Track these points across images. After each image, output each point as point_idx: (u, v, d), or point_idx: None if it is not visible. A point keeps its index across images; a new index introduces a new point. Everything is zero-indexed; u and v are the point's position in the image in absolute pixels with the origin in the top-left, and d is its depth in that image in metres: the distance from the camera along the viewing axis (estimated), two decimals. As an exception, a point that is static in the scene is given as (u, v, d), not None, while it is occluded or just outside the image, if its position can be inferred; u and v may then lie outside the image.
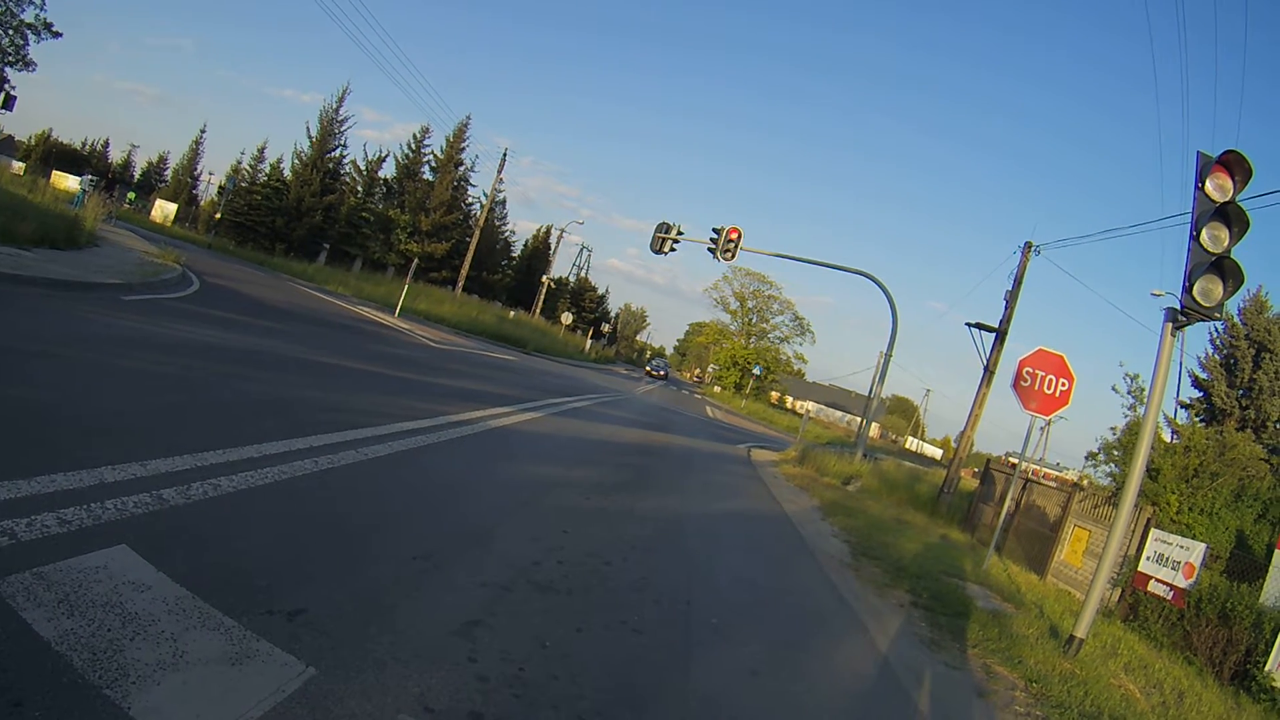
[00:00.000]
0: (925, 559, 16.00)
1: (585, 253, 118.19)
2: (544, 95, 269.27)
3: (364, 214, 74.46)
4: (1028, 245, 30.63)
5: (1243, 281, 10.38)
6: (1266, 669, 13.24)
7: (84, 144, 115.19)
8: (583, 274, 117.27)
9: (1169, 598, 15.84)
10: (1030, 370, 17.96)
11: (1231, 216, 10.54)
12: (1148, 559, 16.85)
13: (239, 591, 5.12)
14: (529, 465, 12.91)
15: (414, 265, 50.94)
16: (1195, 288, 10.45)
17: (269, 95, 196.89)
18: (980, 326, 30.67)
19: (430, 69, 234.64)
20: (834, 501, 21.64)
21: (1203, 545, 16.08)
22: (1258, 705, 12.63)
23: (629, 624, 6.99)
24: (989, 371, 30.40)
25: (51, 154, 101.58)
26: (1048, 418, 18.03)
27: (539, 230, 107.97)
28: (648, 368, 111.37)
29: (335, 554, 6.39)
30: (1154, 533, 17.27)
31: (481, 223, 76.40)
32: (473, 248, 73.48)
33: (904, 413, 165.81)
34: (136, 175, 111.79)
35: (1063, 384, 17.86)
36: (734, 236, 35.42)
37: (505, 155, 75.27)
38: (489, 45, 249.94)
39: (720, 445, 31.32)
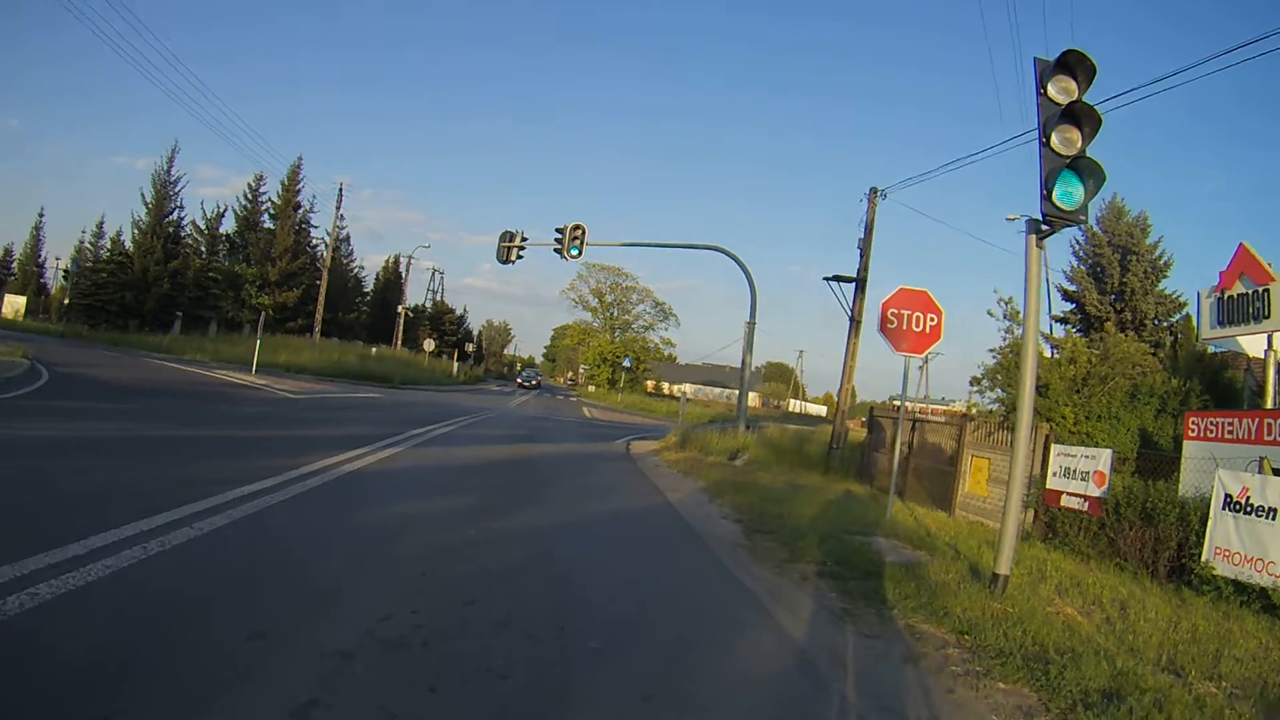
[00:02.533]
0: (825, 521, 15.19)
1: (438, 275, 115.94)
2: (371, 124, 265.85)
3: (211, 274, 71.98)
4: (873, 191, 30.13)
5: (1103, 179, 9.84)
6: (1203, 559, 12.87)
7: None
8: (439, 298, 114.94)
9: (1085, 509, 15.47)
10: (895, 312, 17.28)
11: (1080, 116, 9.95)
12: (1054, 475, 16.57)
13: (41, 711, 4.37)
14: (384, 506, 11.67)
15: (262, 319, 49.38)
16: (1055, 193, 9.83)
17: (103, 165, 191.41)
18: (839, 279, 29.87)
19: (257, 116, 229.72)
20: (721, 480, 20.64)
21: (1108, 451, 15.84)
22: (1202, 598, 12.10)
23: (493, 670, 5.82)
24: (855, 321, 29.71)
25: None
26: (923, 355, 17.25)
27: (388, 261, 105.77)
28: (518, 379, 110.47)
29: (160, 647, 5.43)
30: (1055, 448, 16.97)
31: (328, 263, 74.84)
32: (323, 290, 71.98)
33: (781, 378, 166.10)
34: None
35: (931, 319, 17.25)
36: (578, 233, 34.47)
37: (341, 189, 73.27)
38: (309, 85, 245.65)
39: (597, 445, 30.46)
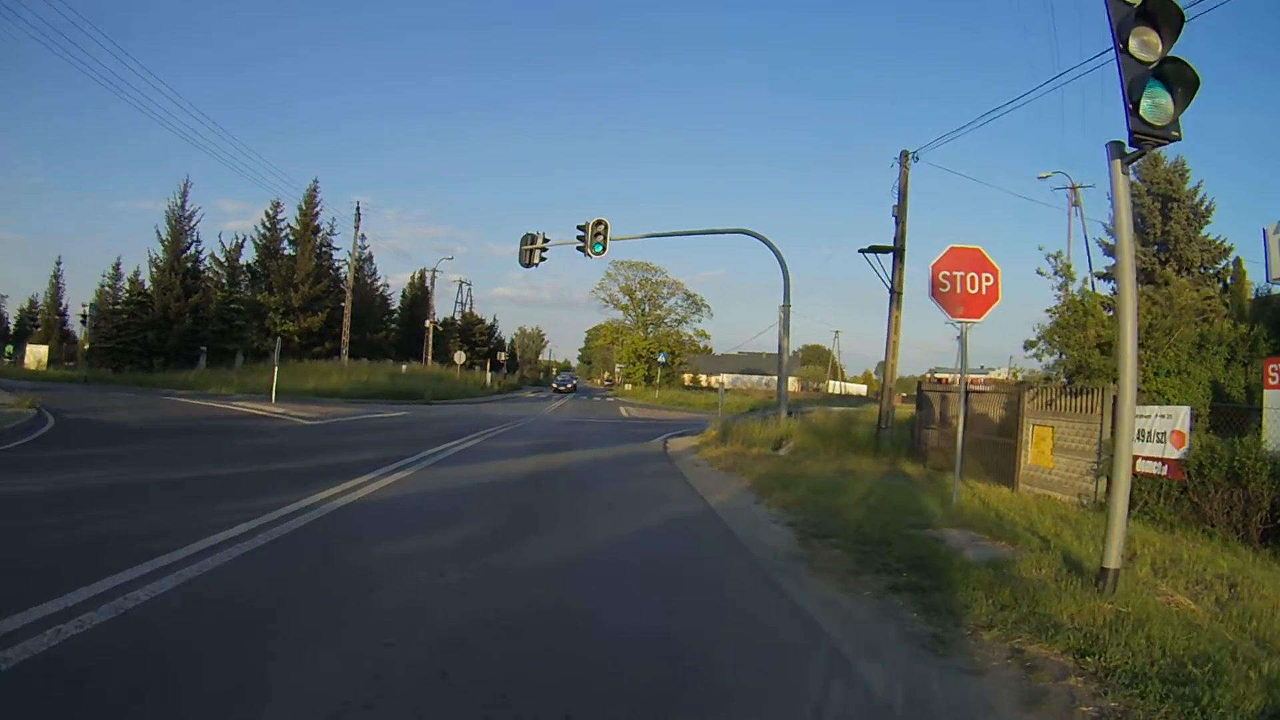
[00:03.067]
0: (886, 513, 13.56)
1: (465, 287, 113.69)
2: (390, 146, 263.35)
3: (233, 306, 71.31)
4: (904, 154, 28.48)
5: (1196, 84, 8.12)
6: None
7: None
8: (468, 309, 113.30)
9: (1164, 473, 14.12)
10: (947, 274, 15.46)
11: (1158, 13, 8.20)
12: None
13: None
14: (367, 549, 9.80)
15: (278, 345, 47.48)
16: (1141, 107, 8.12)
17: (125, 211, 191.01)
18: (875, 249, 28.18)
19: (274, 151, 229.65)
20: (767, 475, 18.86)
21: (1184, 408, 14.38)
22: None
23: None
24: (895, 293, 28.02)
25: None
26: (980, 319, 15.48)
27: (413, 277, 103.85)
28: (553, 384, 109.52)
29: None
30: None
31: (351, 282, 73.63)
32: (347, 311, 70.52)
33: (819, 360, 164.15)
34: (12, 327, 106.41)
35: (987, 279, 15.41)
36: (600, 229, 33.30)
37: (359, 209, 71.09)
38: (326, 116, 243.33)
39: (632, 446, 28.50)
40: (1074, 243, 45.76)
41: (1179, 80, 8.14)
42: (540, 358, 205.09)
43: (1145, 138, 8.30)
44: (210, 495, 12.80)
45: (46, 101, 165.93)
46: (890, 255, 28.34)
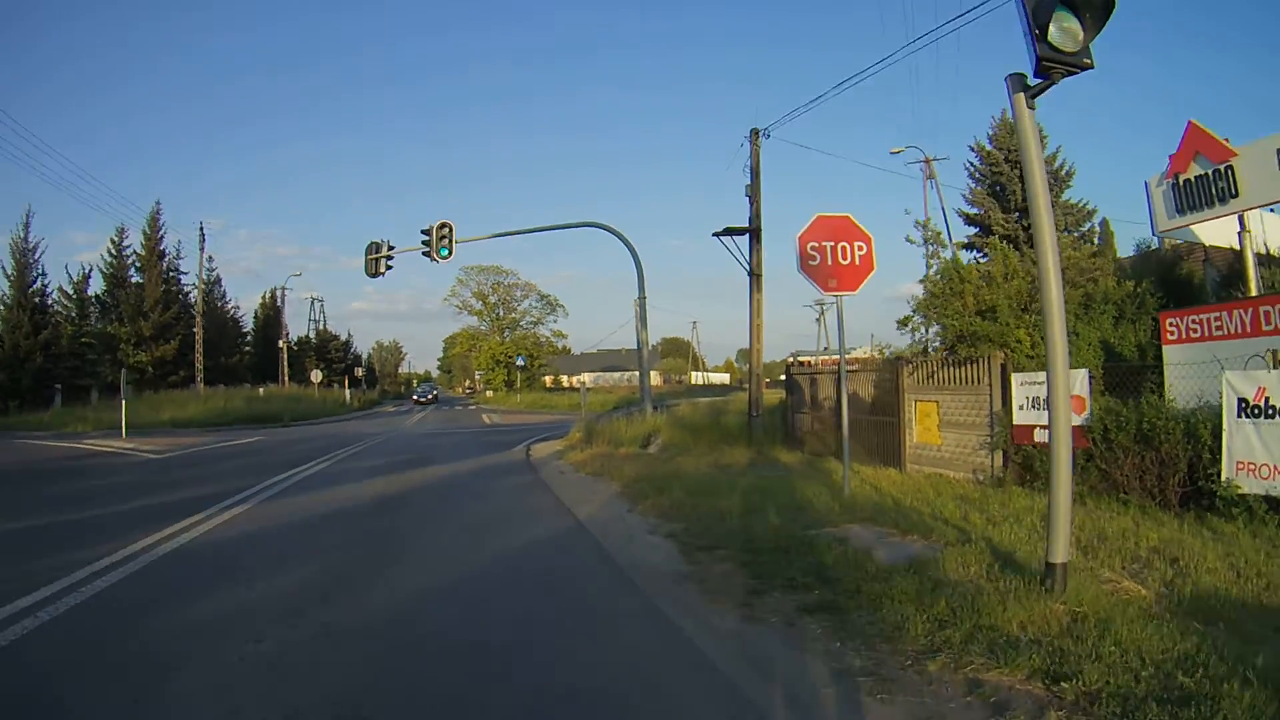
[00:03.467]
0: (775, 512, 12.14)
1: (317, 304, 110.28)
2: (235, 165, 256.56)
3: (84, 340, 68.20)
4: (754, 133, 27.47)
5: (1110, 8, 7.08)
6: (1224, 479, 11.14)
7: None
8: (321, 326, 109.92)
9: None
10: (815, 246, 14.11)
11: None
12: (1020, 408, 14.63)
13: None
14: (178, 608, 7.94)
15: (123, 378, 45.84)
16: (1050, 33, 7.08)
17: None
18: (730, 232, 27.26)
19: (116, 179, 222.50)
20: (639, 477, 17.37)
21: (1082, 371, 13.45)
22: (1233, 523, 10.51)
23: None
24: (754, 275, 27.07)
25: None
26: (855, 291, 14.26)
27: (264, 297, 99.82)
28: (413, 396, 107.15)
29: None
30: (1016, 377, 15.00)
31: (200, 307, 70.99)
32: (199, 337, 68.10)
33: (679, 352, 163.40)
34: None
35: (860, 247, 14.17)
36: (445, 231, 32.22)
37: (203, 230, 69.11)
38: (162, 138, 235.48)
39: (493, 456, 26.57)
40: (933, 216, 45.04)
41: (1088, 5, 7.08)
42: (400, 370, 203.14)
43: (1054, 65, 7.19)
44: (17, 550, 10.96)
45: None
46: (746, 237, 27.43)
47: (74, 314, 70.38)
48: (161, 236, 75.42)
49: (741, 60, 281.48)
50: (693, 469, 18.76)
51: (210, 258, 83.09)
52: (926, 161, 46.42)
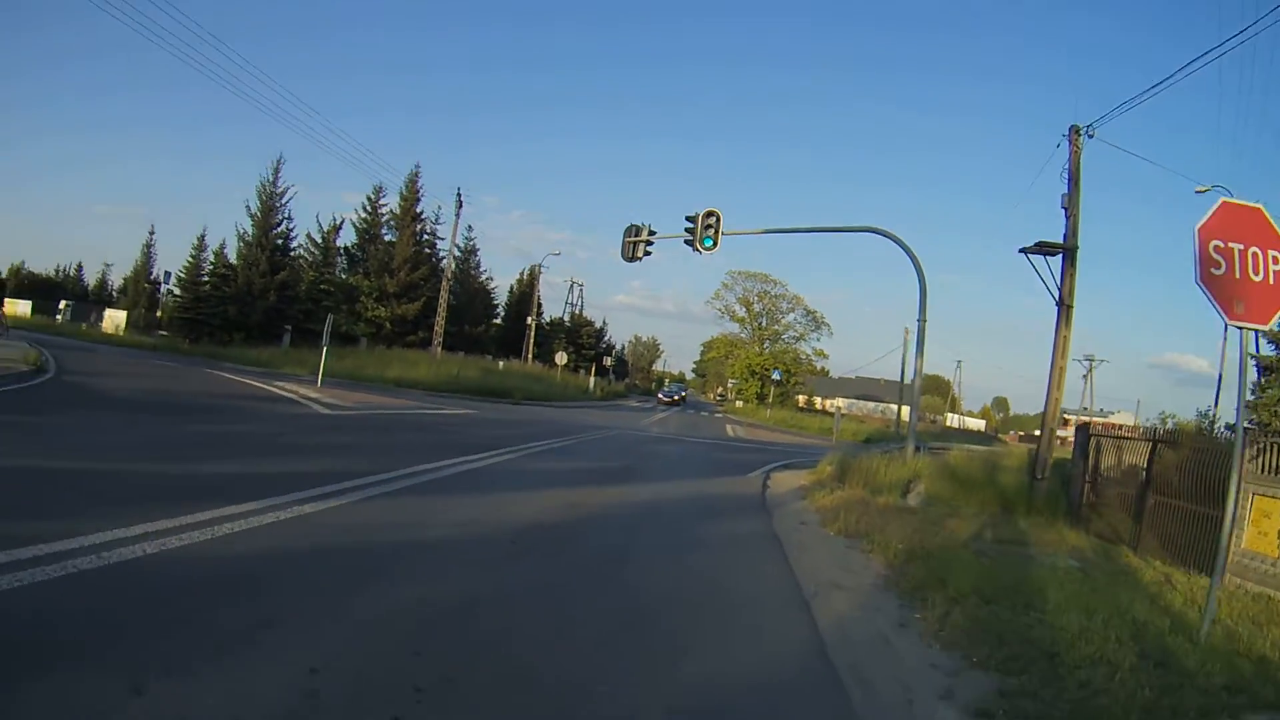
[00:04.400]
0: (1127, 663, 7.27)
1: (576, 288, 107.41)
2: (519, 147, 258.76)
3: (323, 287, 67.77)
4: (1074, 130, 22.58)
5: None
6: None
7: (58, 270, 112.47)
8: (578, 311, 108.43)
9: None
10: (1220, 246, 8.90)
11: None
12: None
13: None
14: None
15: (328, 324, 40.82)
16: None
17: (218, 193, 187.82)
18: (1042, 249, 22.07)
19: (384, 138, 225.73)
20: (909, 550, 12.20)
21: None
22: None
23: None
24: (1064, 305, 21.96)
25: (24, 284, 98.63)
26: (1267, 324, 9.24)
27: (522, 274, 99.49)
28: (660, 395, 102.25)
29: None
30: None
31: (450, 271, 68.78)
32: (442, 301, 65.27)
33: (936, 390, 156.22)
34: (115, 293, 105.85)
35: (1277, 258, 8.95)
36: (711, 221, 28.75)
37: (460, 196, 65.55)
38: (439, 107, 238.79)
39: (724, 480, 21.84)
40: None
41: None
42: (654, 367, 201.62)
43: None
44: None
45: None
46: (1059, 257, 22.50)
47: (318, 261, 70.36)
48: (419, 198, 75.41)
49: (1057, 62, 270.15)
50: (965, 534, 14.88)
51: (470, 227, 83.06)
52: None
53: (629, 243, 30.69)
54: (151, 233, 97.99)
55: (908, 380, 76.56)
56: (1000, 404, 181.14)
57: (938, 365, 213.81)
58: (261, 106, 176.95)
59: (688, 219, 29.14)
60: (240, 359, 50.39)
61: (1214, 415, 19.97)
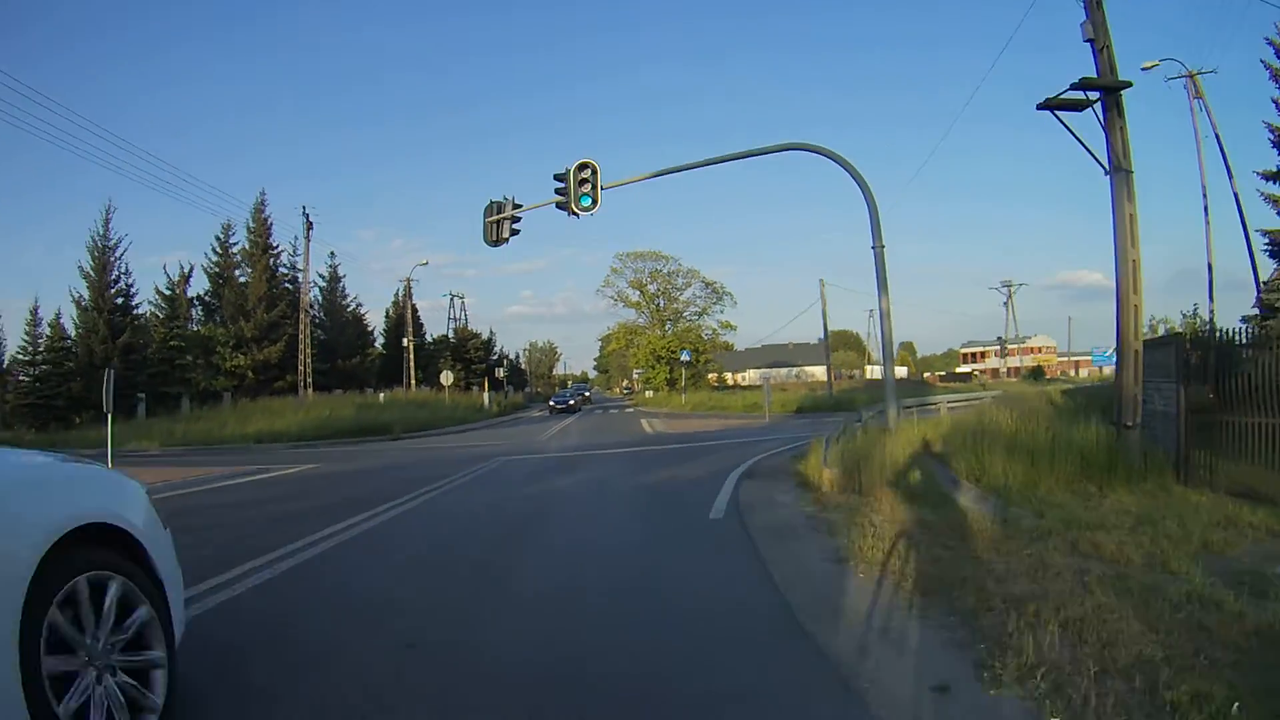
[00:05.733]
0: None
1: (458, 301, 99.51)
2: (368, 165, 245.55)
3: (172, 343, 59.28)
4: None
5: None
6: None
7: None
8: (462, 325, 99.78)
9: None
10: None
11: None
12: None
13: None
14: None
15: (107, 379, 31.12)
16: None
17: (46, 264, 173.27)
18: (1068, 100, 14.80)
19: (230, 174, 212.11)
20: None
21: None
22: None
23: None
24: (1122, 171, 14.60)
25: None
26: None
27: (397, 295, 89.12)
28: (550, 402, 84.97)
29: None
30: None
31: (305, 302, 60.70)
32: (303, 337, 58.22)
33: (847, 345, 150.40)
34: None
35: None
36: (587, 174, 24.80)
37: (307, 215, 58.52)
38: (300, 137, 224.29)
39: (666, 518, 13.54)
40: (1205, 143, 35.24)
41: None
42: (554, 372, 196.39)
43: None
44: None
45: None
46: (1097, 102, 15.13)
47: (171, 316, 62.53)
48: (269, 229, 67.80)
49: None
50: (1177, 594, 6.86)
51: (332, 253, 76.60)
52: (1190, 77, 36.92)
53: (490, 223, 26.35)
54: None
55: (827, 332, 71.84)
56: (907, 348, 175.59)
57: (845, 320, 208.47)
58: (89, 157, 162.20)
59: (557, 178, 25.21)
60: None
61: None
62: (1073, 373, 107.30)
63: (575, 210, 24.76)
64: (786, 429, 36.01)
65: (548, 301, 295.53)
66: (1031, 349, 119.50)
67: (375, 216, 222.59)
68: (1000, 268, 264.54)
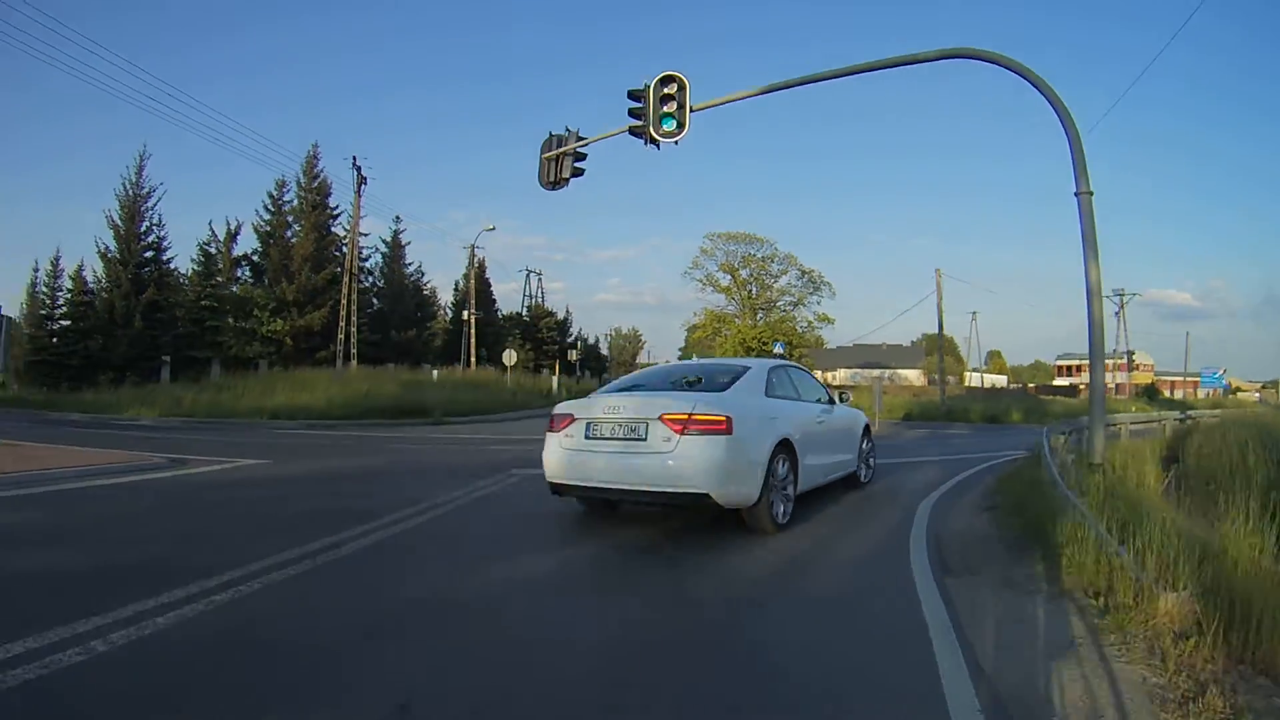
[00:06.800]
0: None
1: (534, 278, 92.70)
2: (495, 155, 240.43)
3: (204, 303, 53.54)
4: None
5: None
6: None
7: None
8: (537, 303, 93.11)
9: None
10: None
11: None
12: None
13: None
14: None
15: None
16: None
17: (74, 212, 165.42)
18: None
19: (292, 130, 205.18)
20: None
21: None
22: None
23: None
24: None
25: None
26: None
27: (468, 268, 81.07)
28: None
29: None
30: None
31: (353, 263, 53.17)
32: (345, 300, 51.34)
33: (946, 351, 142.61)
34: None
35: None
36: (671, 92, 18.75)
37: (358, 165, 51.35)
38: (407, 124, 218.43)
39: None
40: None
41: None
42: (638, 360, 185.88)
43: None
44: None
45: None
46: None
47: (201, 273, 57.17)
48: (328, 186, 61.52)
49: None
50: None
51: (398, 218, 69.84)
52: None
53: (547, 160, 20.69)
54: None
55: (942, 328, 64.86)
56: (994, 357, 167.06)
57: (931, 323, 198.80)
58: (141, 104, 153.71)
59: (632, 96, 19.00)
60: (78, 405, 39.73)
61: None
62: (1192, 393, 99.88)
63: (655, 136, 18.67)
64: (907, 444, 28.85)
65: (636, 290, 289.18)
66: (1122, 365, 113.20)
67: (467, 196, 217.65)
68: (1077, 279, 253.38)
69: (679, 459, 9.91)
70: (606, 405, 10.93)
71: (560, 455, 10.95)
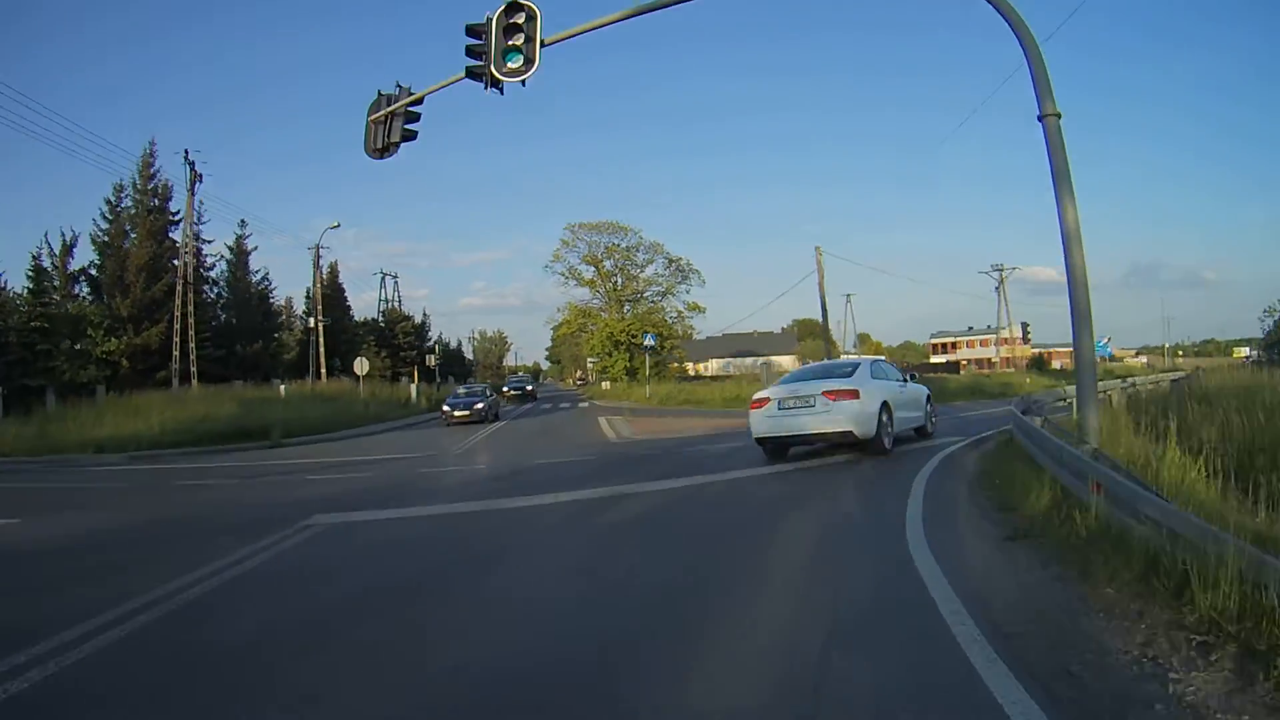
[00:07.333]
0: None
1: (389, 281, 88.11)
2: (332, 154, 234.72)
3: (34, 325, 48.07)
4: None
5: None
6: None
7: None
8: (393, 307, 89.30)
9: None
10: None
11: None
12: None
13: None
14: None
15: None
16: None
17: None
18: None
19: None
20: None
21: None
22: None
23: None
24: None
25: None
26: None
27: (319, 274, 75.58)
28: (443, 407, 64.59)
29: None
30: None
31: (185, 271, 49.33)
32: (178, 312, 48.20)
33: (811, 334, 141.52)
34: None
35: None
36: (519, 20, 15.86)
37: (190, 160, 48.43)
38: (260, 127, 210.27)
39: None
40: None
41: None
42: (505, 363, 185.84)
43: None
44: None
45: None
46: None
47: (32, 291, 51.36)
48: (169, 189, 56.91)
49: None
50: None
51: (243, 222, 63.77)
52: None
53: (375, 124, 17.93)
54: None
55: (826, 308, 62.15)
56: (862, 339, 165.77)
57: (809, 307, 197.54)
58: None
59: (469, 32, 16.45)
60: None
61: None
62: (1070, 363, 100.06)
63: (497, 75, 16.08)
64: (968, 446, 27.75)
65: (500, 293, 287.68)
66: (1004, 340, 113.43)
67: (330, 204, 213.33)
68: (935, 262, 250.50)
69: (834, 413, 16.97)
70: (789, 389, 18.36)
71: (764, 421, 17.80)
